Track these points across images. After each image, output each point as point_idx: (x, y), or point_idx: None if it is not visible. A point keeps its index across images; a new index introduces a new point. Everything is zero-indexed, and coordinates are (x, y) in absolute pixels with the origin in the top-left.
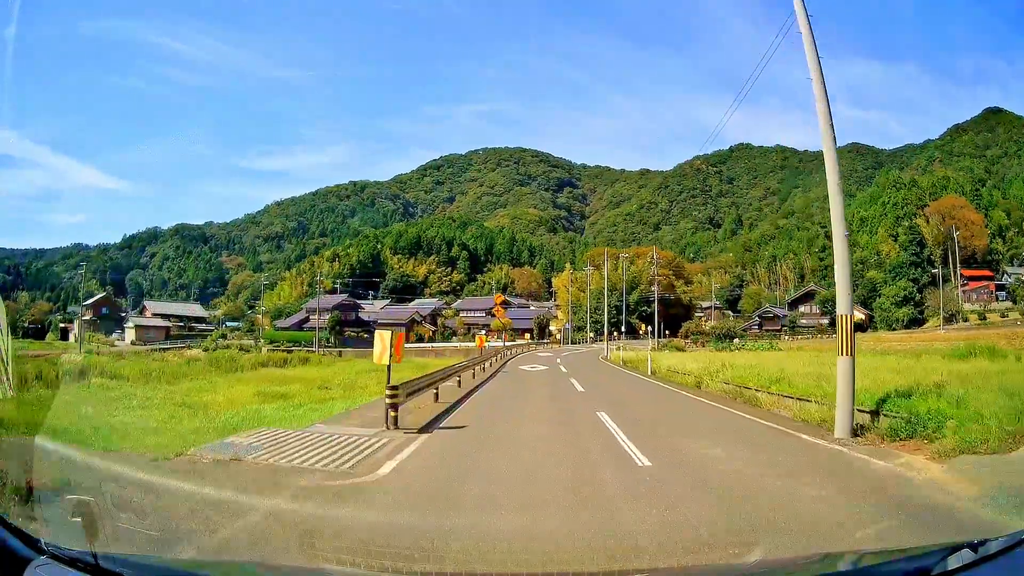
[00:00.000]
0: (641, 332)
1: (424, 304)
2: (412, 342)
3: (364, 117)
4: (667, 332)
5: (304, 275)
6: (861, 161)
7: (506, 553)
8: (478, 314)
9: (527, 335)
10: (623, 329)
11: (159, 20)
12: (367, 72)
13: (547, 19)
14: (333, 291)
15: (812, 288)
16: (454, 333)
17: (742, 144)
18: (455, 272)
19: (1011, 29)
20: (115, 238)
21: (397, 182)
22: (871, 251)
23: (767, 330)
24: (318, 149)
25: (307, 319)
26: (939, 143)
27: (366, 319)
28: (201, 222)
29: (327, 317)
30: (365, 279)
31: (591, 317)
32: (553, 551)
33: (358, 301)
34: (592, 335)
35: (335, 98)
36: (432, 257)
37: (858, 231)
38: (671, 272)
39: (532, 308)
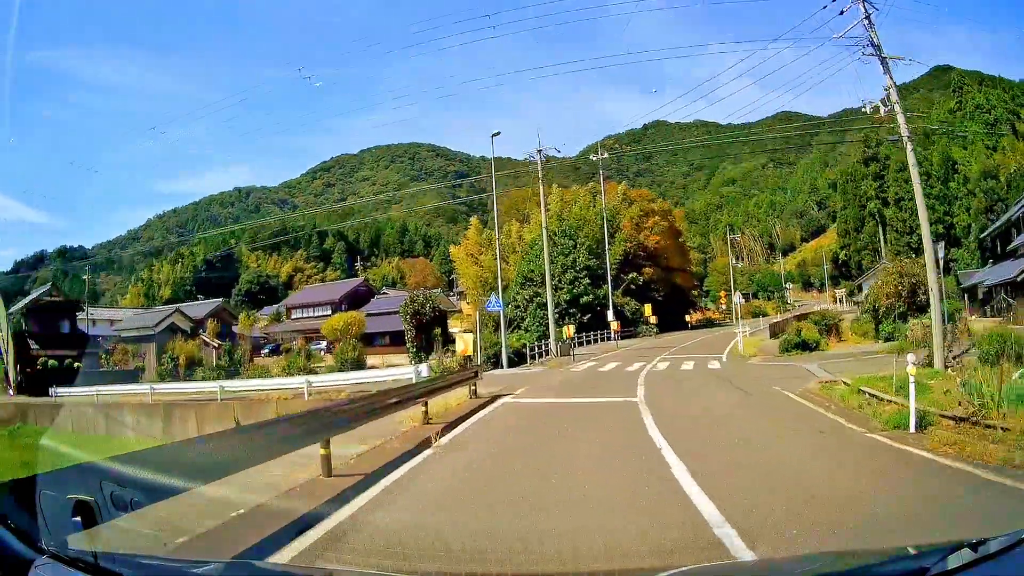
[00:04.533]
0: (646, 319)
1: (197, 306)
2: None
3: (264, 134)
4: (654, 323)
5: (141, 285)
6: (796, 128)
7: None
8: (320, 313)
9: (410, 349)
10: (611, 317)
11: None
12: (267, 86)
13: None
14: (172, 300)
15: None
16: (277, 350)
17: (658, 121)
18: (330, 269)
19: None
20: (6, 265)
21: (285, 187)
22: None
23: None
24: (215, 162)
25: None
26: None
27: (96, 333)
28: (86, 243)
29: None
30: (218, 280)
31: (533, 299)
32: None
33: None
34: (556, 334)
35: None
36: (300, 252)
37: None
38: (666, 225)
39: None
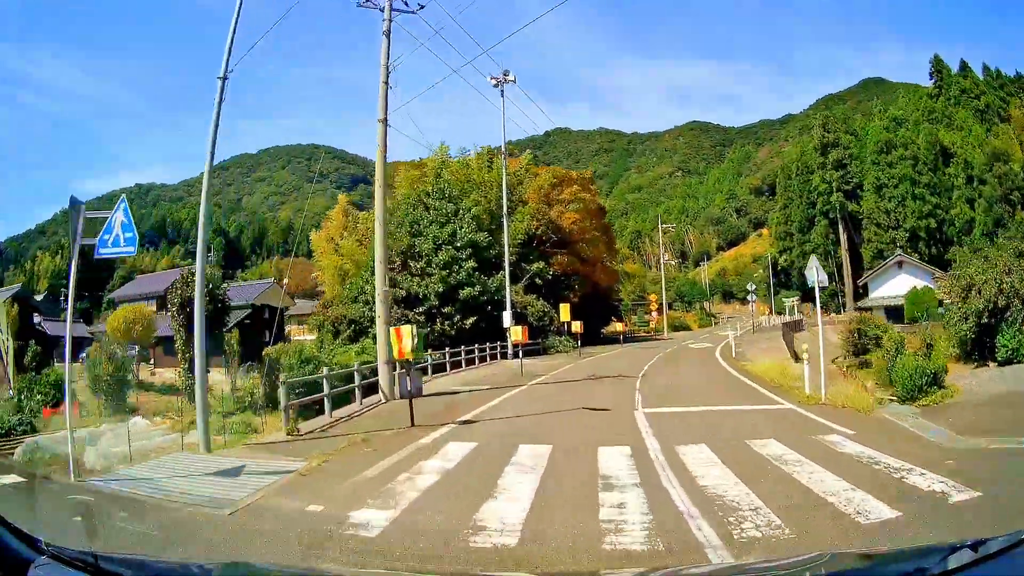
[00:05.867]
0: (559, 326)
1: None
2: None
3: (176, 134)
4: (578, 331)
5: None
6: (708, 138)
7: None
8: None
9: (182, 363)
10: (508, 321)
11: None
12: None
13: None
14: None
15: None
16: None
17: (559, 128)
18: (207, 265)
19: None
20: None
21: (185, 185)
22: None
23: None
24: (124, 161)
25: None
26: (810, 112)
27: None
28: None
29: None
30: (94, 276)
31: (377, 294)
32: None
33: None
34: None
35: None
36: (176, 248)
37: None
38: (587, 199)
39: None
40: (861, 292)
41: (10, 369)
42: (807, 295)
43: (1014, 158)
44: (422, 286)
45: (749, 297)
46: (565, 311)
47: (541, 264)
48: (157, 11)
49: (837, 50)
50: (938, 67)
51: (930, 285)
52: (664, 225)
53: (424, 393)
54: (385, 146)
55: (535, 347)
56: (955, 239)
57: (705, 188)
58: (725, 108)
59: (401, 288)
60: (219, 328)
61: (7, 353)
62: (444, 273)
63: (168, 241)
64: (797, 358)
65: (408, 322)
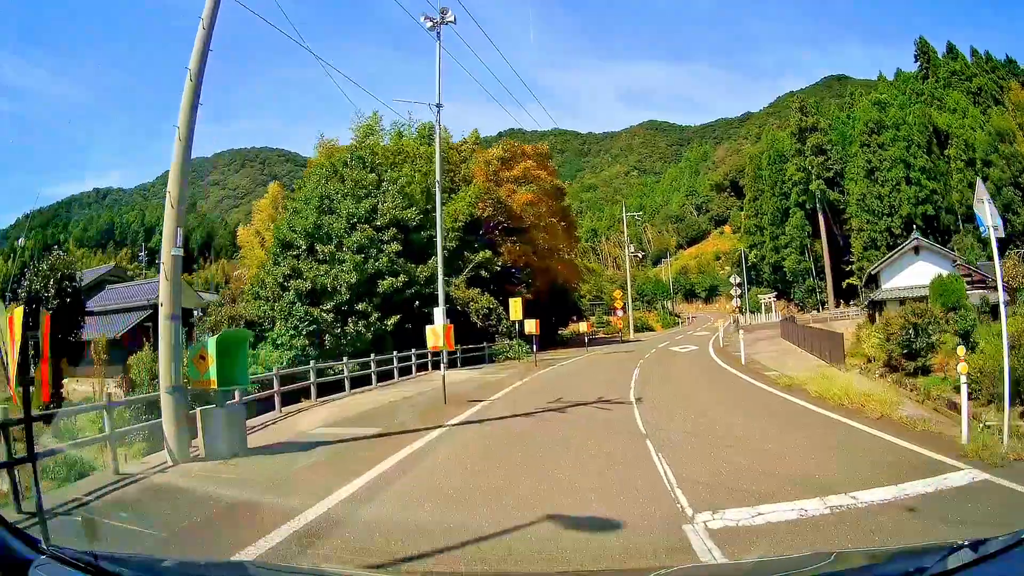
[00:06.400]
0: (510, 327)
1: None
2: None
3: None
4: (532, 332)
5: None
6: (664, 138)
7: None
8: None
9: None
10: (439, 319)
11: None
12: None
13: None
14: None
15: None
16: None
17: (512, 129)
18: (152, 269)
19: None
20: None
21: (140, 189)
22: None
23: None
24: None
25: None
26: (770, 109)
27: None
28: None
29: None
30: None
31: (289, 281)
32: None
33: None
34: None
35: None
36: (124, 251)
37: None
38: (543, 178)
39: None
40: (869, 283)
41: (11, 368)
42: (783, 293)
43: (1018, 139)
44: (330, 276)
45: (733, 291)
46: (516, 308)
47: (487, 253)
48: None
49: (797, 49)
50: (923, 49)
51: (952, 272)
52: (630, 214)
53: (248, 449)
54: None
55: (478, 353)
56: (955, 227)
57: (662, 187)
58: (682, 109)
59: (304, 279)
60: (74, 329)
61: (7, 353)
62: (359, 259)
63: (116, 243)
64: (836, 361)
65: (313, 324)
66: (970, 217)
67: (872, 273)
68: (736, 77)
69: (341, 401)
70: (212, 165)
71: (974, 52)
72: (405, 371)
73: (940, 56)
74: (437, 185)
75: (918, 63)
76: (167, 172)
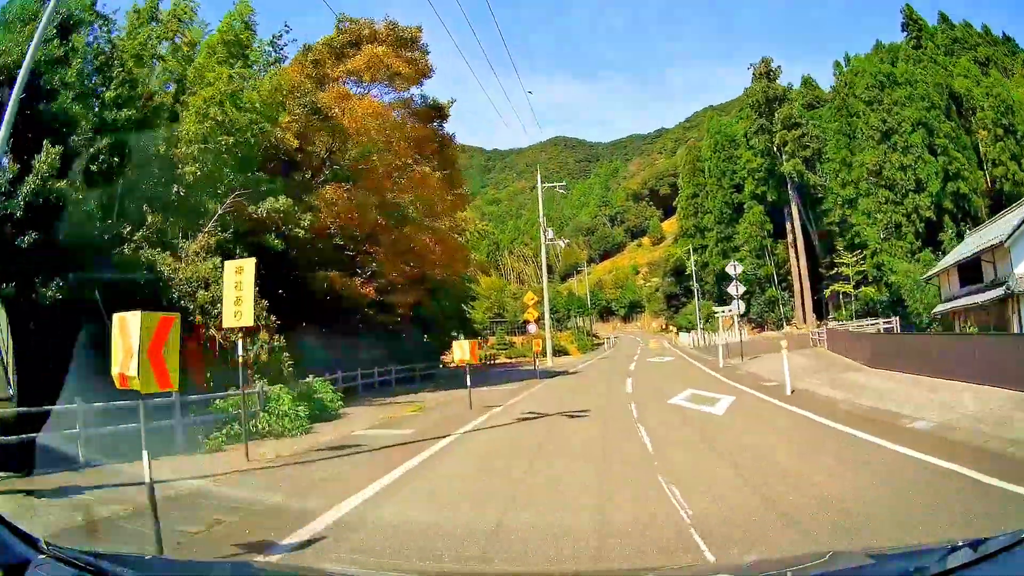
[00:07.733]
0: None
1: None
2: None
3: None
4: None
5: None
6: (573, 154)
7: None
8: None
9: None
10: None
11: None
12: None
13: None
14: None
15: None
16: None
17: None
18: None
19: None
20: None
21: None
22: None
23: None
24: None
25: None
26: (687, 123)
27: None
28: None
29: None
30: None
31: None
32: None
33: None
34: None
35: None
36: None
37: None
38: (412, 117)
39: None
40: (967, 275)
41: (11, 367)
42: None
43: None
44: None
45: (732, 292)
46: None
47: (283, 200)
48: None
49: (714, 66)
50: (911, 17)
51: None
52: (547, 185)
53: None
54: None
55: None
56: (991, 208)
57: (570, 201)
58: (592, 126)
59: None
60: None
61: (6, 352)
62: None
63: None
64: None
65: None
66: (1015, 196)
67: (976, 254)
68: (650, 94)
69: None
70: None
71: (967, 25)
72: None
73: (932, 25)
74: None
75: (906, 32)
76: None
